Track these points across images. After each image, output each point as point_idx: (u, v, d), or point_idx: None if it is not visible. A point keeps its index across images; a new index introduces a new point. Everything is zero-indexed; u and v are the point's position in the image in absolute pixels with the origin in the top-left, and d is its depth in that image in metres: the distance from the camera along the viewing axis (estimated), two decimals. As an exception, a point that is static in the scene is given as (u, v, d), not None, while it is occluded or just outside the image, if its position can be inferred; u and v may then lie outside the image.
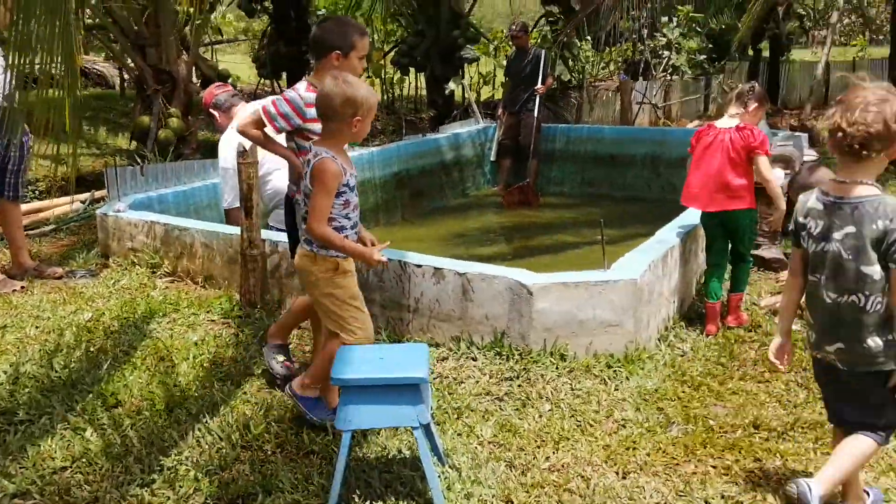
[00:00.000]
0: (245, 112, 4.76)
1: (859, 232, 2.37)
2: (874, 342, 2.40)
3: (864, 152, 2.33)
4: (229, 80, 9.84)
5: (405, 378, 2.64)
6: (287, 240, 3.85)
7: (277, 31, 11.98)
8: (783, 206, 4.26)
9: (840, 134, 2.34)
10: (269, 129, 3.54)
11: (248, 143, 4.62)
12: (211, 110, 5.29)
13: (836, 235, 2.42)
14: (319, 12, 15.45)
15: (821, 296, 2.48)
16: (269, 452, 3.11)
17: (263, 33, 13.14)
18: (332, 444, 3.13)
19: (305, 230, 3.07)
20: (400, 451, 3.11)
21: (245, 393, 3.64)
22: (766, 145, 4.21)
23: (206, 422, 3.30)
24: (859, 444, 2.52)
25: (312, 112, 3.27)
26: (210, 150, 8.86)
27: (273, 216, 5.11)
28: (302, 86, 3.50)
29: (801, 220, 2.55)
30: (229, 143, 4.94)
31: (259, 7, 12.81)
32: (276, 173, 4.94)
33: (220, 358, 4.00)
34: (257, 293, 4.61)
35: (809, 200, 2.54)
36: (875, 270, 2.37)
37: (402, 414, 2.70)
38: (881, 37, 20.01)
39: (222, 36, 17.68)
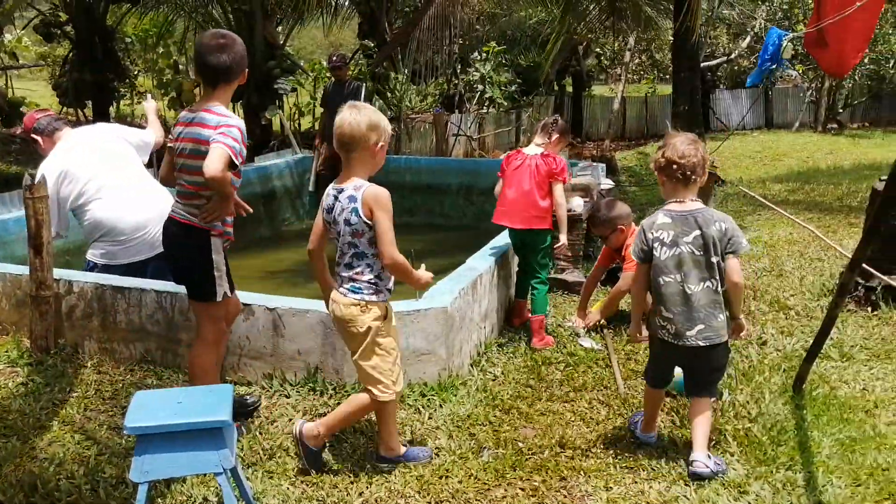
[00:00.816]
0: (149, 149, 4.50)
1: (704, 233, 3.07)
2: (723, 316, 3.12)
3: (693, 177, 3.09)
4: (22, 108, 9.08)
5: (206, 422, 2.50)
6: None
7: (81, 57, 11.24)
8: (565, 231, 4.67)
9: (674, 166, 3.07)
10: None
11: (51, 174, 4.29)
12: (33, 135, 4.72)
13: (686, 239, 3.09)
14: (128, 39, 14.73)
15: (681, 290, 3.09)
16: (58, 514, 2.84)
17: (65, 59, 12.30)
18: (133, 497, 2.91)
19: (374, 265, 2.99)
20: (206, 499, 2.95)
21: (34, 448, 3.32)
22: (564, 173, 4.65)
23: (-18, 486, 2.96)
24: (707, 406, 3.24)
25: None
26: (3, 183, 8.12)
27: (93, 248, 4.52)
28: (224, 109, 3.18)
29: (652, 234, 3.14)
30: (51, 172, 4.37)
31: (59, 31, 11.97)
32: (95, 203, 4.40)
33: (5, 410, 3.61)
34: (50, 338, 4.23)
35: (657, 219, 3.16)
36: (718, 260, 3.08)
37: (204, 460, 2.55)
38: (666, 76, 22.06)
39: (18, 61, 16.32)
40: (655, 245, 3.13)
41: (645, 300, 3.31)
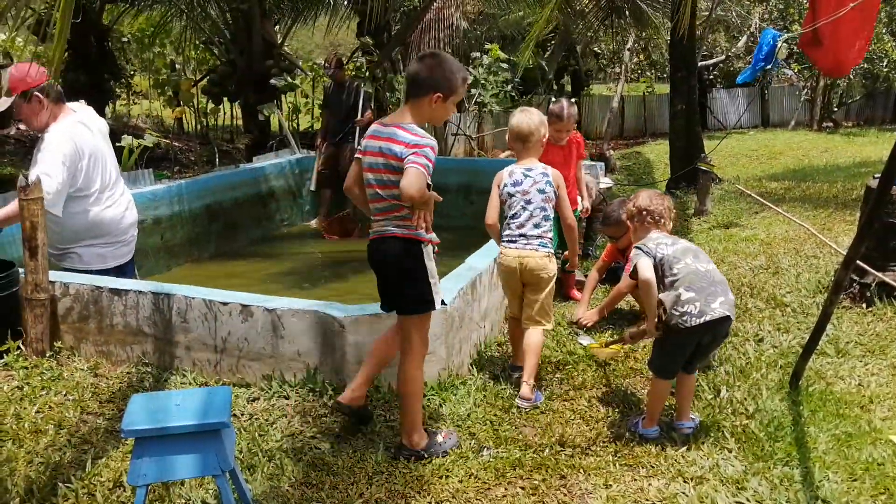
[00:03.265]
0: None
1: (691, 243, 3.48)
2: (731, 294, 3.41)
3: (662, 221, 3.59)
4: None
5: (203, 424, 2.50)
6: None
7: (76, 57, 11.22)
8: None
9: (644, 212, 3.58)
10: None
11: (84, 147, 4.10)
12: (37, 94, 4.15)
13: (682, 242, 3.46)
14: (124, 38, 14.70)
15: (696, 269, 3.34)
16: (56, 517, 2.84)
17: (59, 59, 12.28)
18: (130, 501, 2.91)
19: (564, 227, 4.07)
20: (205, 502, 2.94)
21: (30, 452, 3.31)
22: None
23: (-21, 489, 2.96)
24: (694, 379, 3.60)
25: None
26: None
27: (80, 250, 4.33)
28: (418, 129, 3.09)
29: (653, 245, 3.40)
30: (83, 146, 4.12)
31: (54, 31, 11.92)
32: (102, 199, 4.28)
33: (1, 415, 3.61)
34: (46, 341, 4.22)
35: (652, 235, 3.50)
36: None
37: (202, 462, 2.54)
38: (664, 75, 22.09)
39: (12, 61, 16.28)
40: (660, 247, 3.40)
41: (656, 293, 3.33)
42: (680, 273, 3.32)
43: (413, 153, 2.98)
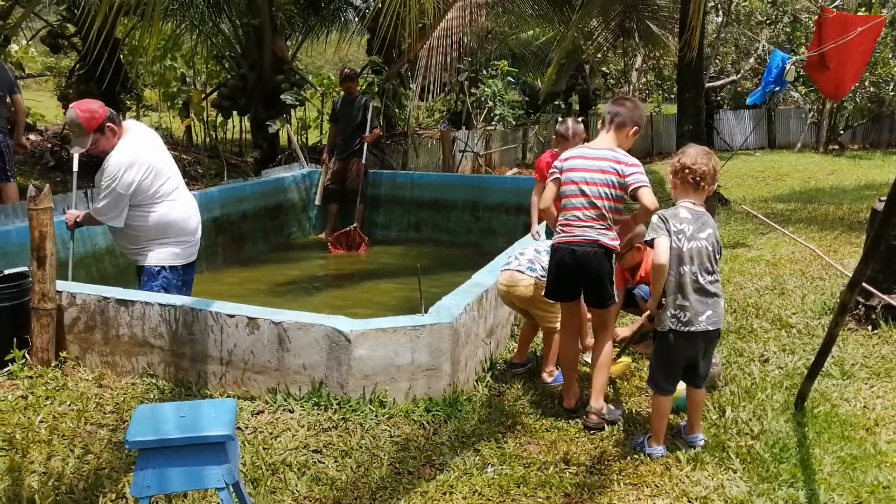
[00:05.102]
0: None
1: (714, 232, 3.43)
2: (723, 304, 3.48)
3: (702, 184, 3.43)
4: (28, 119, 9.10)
5: (208, 437, 2.50)
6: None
7: (88, 69, 11.28)
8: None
9: (686, 170, 3.42)
10: None
11: (140, 164, 4.27)
12: (109, 124, 4.33)
13: (702, 235, 3.38)
14: (139, 56, 14.78)
15: (695, 279, 3.35)
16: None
17: (71, 71, 12.35)
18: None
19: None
20: (208, 514, 2.94)
21: (33, 462, 3.31)
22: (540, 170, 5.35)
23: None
24: (704, 395, 3.60)
25: None
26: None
27: (155, 251, 4.49)
28: (631, 157, 3.77)
29: (675, 226, 3.38)
30: (139, 163, 4.31)
31: (66, 43, 12.02)
32: (168, 202, 4.49)
33: (4, 424, 3.61)
34: (51, 350, 4.23)
35: (679, 212, 3.43)
36: (717, 258, 3.43)
37: (206, 475, 2.54)
38: (671, 95, 22.13)
39: (24, 72, 16.41)
40: (679, 236, 3.37)
41: (665, 278, 3.40)
42: (683, 279, 3.35)
43: (638, 173, 3.69)
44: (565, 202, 3.83)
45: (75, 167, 4.91)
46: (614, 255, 3.81)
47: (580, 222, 3.75)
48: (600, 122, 4.00)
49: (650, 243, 3.42)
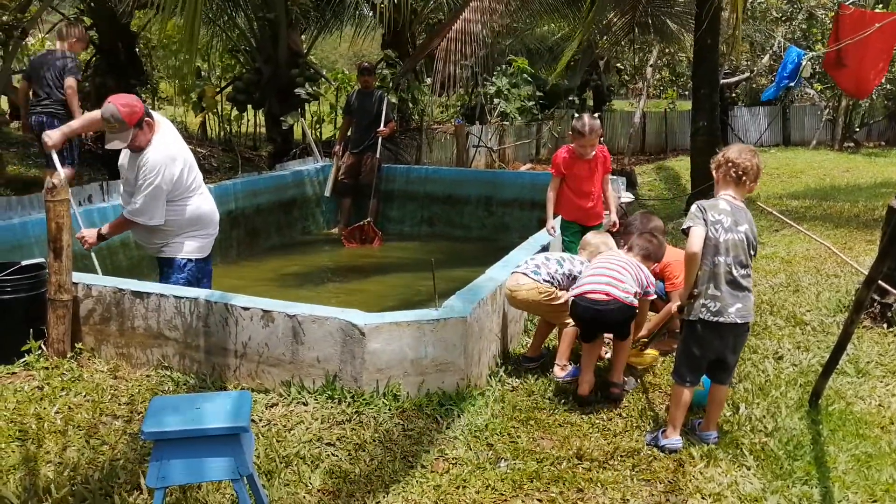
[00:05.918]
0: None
1: (751, 227, 3.43)
2: (753, 298, 3.49)
3: (744, 179, 3.44)
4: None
5: (223, 428, 2.52)
6: None
7: (105, 62, 11.34)
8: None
9: (730, 164, 3.43)
10: None
11: (176, 160, 4.32)
12: (146, 119, 4.33)
13: (740, 228, 3.39)
14: (152, 45, 14.84)
15: (729, 271, 3.36)
16: (75, 516, 2.86)
17: (87, 63, 12.41)
18: (149, 503, 2.93)
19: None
20: (222, 506, 2.96)
21: (48, 452, 3.34)
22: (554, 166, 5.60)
23: None
24: (725, 392, 3.60)
25: None
26: (22, 187, 8.21)
27: (186, 244, 4.54)
28: None
29: (713, 216, 3.38)
30: (176, 159, 4.36)
31: (82, 36, 12.07)
32: (198, 195, 4.57)
33: (21, 415, 3.65)
34: (67, 342, 4.27)
35: (719, 204, 3.43)
36: (751, 252, 3.45)
37: (221, 466, 2.56)
38: (686, 92, 21.98)
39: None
40: (717, 227, 3.37)
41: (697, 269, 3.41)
42: (718, 270, 3.36)
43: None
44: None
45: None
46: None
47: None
48: (623, 243, 4.24)
49: (686, 231, 3.41)
